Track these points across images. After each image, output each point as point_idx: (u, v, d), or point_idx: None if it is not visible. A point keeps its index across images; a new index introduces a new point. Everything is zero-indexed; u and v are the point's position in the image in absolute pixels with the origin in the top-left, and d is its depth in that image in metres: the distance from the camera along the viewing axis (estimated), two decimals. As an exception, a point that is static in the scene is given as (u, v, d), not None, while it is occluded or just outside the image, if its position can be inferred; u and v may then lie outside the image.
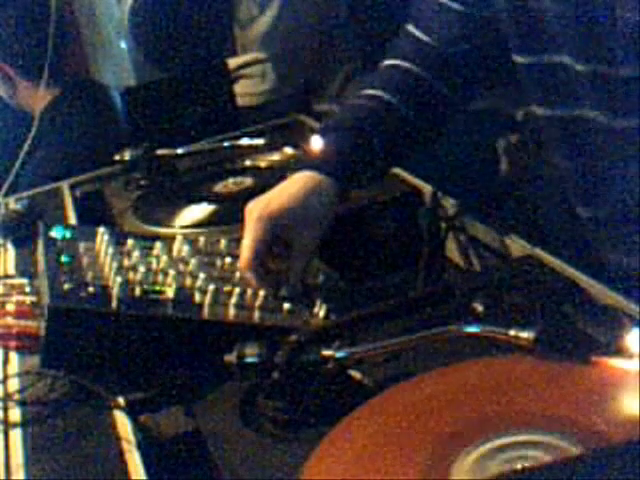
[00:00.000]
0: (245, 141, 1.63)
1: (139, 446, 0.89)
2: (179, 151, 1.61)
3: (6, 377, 1.04)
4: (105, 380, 0.99)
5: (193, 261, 1.14)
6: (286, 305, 1.05)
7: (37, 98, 1.96)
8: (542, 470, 0.68)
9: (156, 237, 1.22)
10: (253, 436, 0.89)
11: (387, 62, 1.23)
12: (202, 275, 1.09)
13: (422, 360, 0.94)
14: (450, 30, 1.19)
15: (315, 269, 1.16)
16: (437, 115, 1.22)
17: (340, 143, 1.15)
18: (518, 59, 1.14)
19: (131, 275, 1.08)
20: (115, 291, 1.02)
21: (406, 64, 1.21)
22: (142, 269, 1.09)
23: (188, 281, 1.08)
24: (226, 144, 1.65)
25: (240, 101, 2.00)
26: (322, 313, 1.05)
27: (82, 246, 1.16)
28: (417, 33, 1.21)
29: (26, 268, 1.28)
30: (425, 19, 1.21)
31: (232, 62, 2.03)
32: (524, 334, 0.85)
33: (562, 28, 1.05)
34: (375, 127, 1.17)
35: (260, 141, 1.61)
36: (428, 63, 1.20)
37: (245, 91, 2.07)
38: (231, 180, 1.46)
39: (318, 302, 1.06)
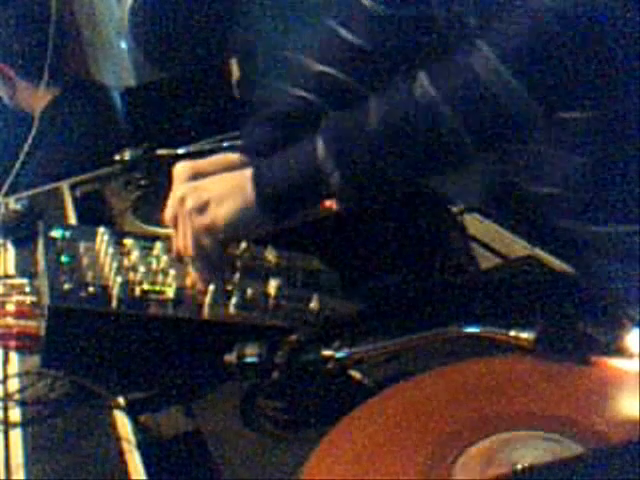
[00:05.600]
0: (245, 141, 1.63)
1: (139, 446, 0.89)
2: (179, 151, 1.61)
3: (6, 377, 1.04)
4: (105, 380, 0.99)
5: (193, 261, 1.13)
6: (283, 303, 1.06)
7: (37, 98, 1.96)
8: (542, 470, 0.68)
9: (156, 237, 1.22)
10: (253, 436, 0.89)
11: (316, 66, 1.26)
12: (202, 275, 1.09)
13: (422, 360, 0.93)
14: (374, 31, 1.23)
15: (315, 269, 1.16)
16: None
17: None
18: None
19: (131, 275, 1.08)
20: (115, 291, 1.02)
21: (333, 70, 1.24)
22: (142, 269, 1.09)
23: (188, 281, 1.08)
24: (226, 144, 1.65)
25: None
26: (316, 306, 1.05)
27: (82, 246, 1.16)
28: (343, 33, 1.24)
29: (26, 268, 1.28)
30: (350, 19, 1.25)
31: None
32: (524, 334, 0.85)
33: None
34: (302, 126, 1.18)
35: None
36: (355, 67, 1.24)
37: None
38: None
39: (314, 298, 1.06)
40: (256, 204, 1.04)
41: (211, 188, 1.07)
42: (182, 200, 1.07)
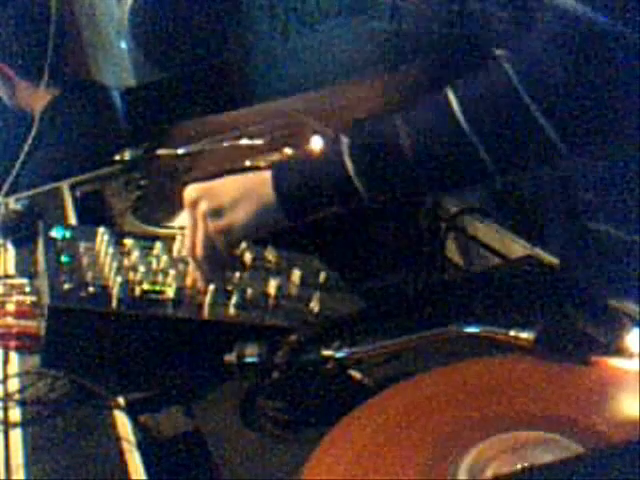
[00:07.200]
0: (245, 141, 1.63)
1: (139, 446, 0.89)
2: (179, 151, 1.62)
3: (6, 377, 1.04)
4: (105, 380, 0.99)
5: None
6: (283, 303, 1.06)
7: (37, 98, 1.97)
8: (542, 470, 0.68)
9: (156, 237, 1.22)
10: (253, 436, 0.89)
11: None
12: (202, 275, 1.09)
13: (422, 360, 0.93)
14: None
15: (315, 269, 1.16)
16: None
17: None
18: None
19: (131, 275, 1.08)
20: (115, 291, 1.02)
21: None
22: (142, 269, 1.09)
23: (188, 281, 1.08)
24: (226, 144, 1.65)
25: None
26: (316, 306, 1.05)
27: (82, 246, 1.16)
28: None
29: (26, 268, 1.28)
30: None
31: None
32: (524, 334, 0.85)
33: None
34: None
35: (260, 141, 1.61)
36: None
37: None
38: (231, 180, 1.46)
39: (315, 298, 1.06)
40: (277, 203, 1.03)
41: (226, 190, 1.06)
42: (195, 202, 1.07)
